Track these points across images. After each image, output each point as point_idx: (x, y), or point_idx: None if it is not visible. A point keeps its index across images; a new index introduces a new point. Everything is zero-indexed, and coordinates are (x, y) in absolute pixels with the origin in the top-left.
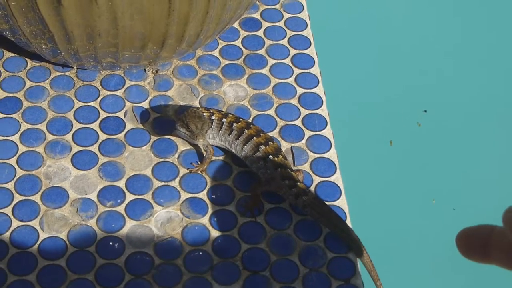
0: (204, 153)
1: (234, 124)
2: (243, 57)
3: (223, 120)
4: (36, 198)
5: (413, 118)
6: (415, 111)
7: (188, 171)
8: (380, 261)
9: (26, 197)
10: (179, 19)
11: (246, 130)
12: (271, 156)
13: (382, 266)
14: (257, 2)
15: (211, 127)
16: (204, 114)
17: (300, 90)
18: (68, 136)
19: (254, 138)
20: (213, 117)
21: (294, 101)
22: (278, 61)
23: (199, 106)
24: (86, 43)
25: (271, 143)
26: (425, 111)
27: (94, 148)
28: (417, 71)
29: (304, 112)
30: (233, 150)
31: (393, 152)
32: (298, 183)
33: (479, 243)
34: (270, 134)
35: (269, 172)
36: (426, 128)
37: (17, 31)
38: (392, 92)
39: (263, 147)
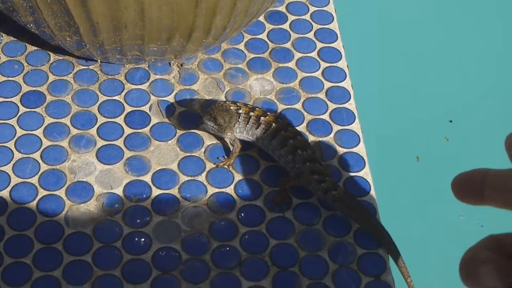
0: (231, 147)
1: (262, 118)
2: (269, 50)
3: (250, 114)
4: (61, 193)
5: (443, 121)
6: (445, 107)
7: (214, 166)
8: (410, 258)
9: (51, 192)
10: (207, 10)
11: (273, 124)
12: (299, 150)
13: (412, 262)
14: None
15: (238, 121)
16: (231, 107)
17: (327, 84)
18: (93, 130)
19: (282, 132)
20: (240, 111)
21: (322, 95)
22: (305, 54)
23: (225, 100)
24: (111, 35)
25: (299, 137)
26: (451, 121)
27: (119, 143)
28: (444, 68)
29: (332, 106)
30: (260, 145)
31: (423, 146)
32: (327, 178)
33: (474, 186)
34: (297, 128)
35: (297, 166)
36: (454, 136)
37: (42, 23)
38: (420, 86)
39: (291, 141)
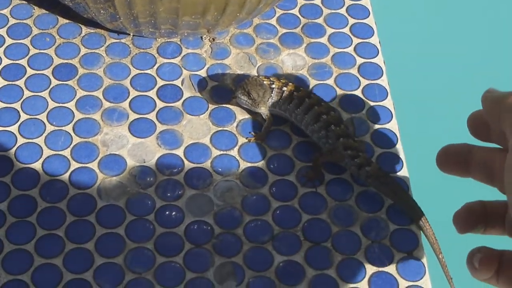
0: (264, 122)
1: (295, 93)
2: (301, 25)
3: (283, 89)
4: (93, 165)
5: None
6: (480, 85)
7: (247, 140)
8: (442, 235)
9: (83, 165)
10: None
11: (307, 99)
12: (332, 126)
13: (444, 239)
14: None
15: (271, 95)
16: (265, 82)
17: (359, 60)
18: (125, 104)
19: (316, 107)
20: (274, 86)
21: (354, 71)
22: (337, 30)
23: (258, 75)
24: (147, 8)
25: (333, 113)
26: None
27: (152, 116)
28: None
29: (364, 82)
30: (293, 120)
31: (458, 122)
32: (361, 153)
33: (458, 159)
34: (330, 104)
35: (330, 142)
36: None
37: None
38: (454, 59)
39: (324, 116)
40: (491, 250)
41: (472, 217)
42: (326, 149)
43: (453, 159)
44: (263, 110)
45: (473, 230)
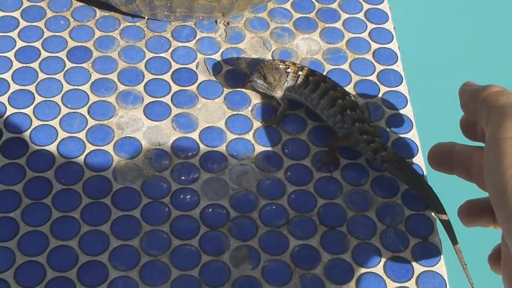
0: (279, 107)
1: (310, 77)
2: (315, 10)
3: (299, 73)
4: (109, 148)
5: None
6: (496, 70)
7: (262, 124)
8: (457, 221)
9: (98, 147)
10: None
11: (322, 84)
12: (348, 110)
13: (459, 225)
14: None
15: (286, 79)
16: (280, 66)
17: (374, 45)
18: (140, 87)
19: (331, 92)
20: (289, 70)
21: (369, 56)
22: (352, 15)
23: (273, 59)
24: None
25: (348, 98)
26: None
27: (167, 99)
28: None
29: (379, 67)
30: (309, 104)
31: None
32: (377, 138)
33: (443, 158)
34: (345, 89)
35: (346, 126)
36: None
37: None
38: (471, 47)
39: (340, 101)
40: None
41: (474, 211)
42: (342, 134)
43: (439, 158)
44: (279, 94)
45: (478, 224)
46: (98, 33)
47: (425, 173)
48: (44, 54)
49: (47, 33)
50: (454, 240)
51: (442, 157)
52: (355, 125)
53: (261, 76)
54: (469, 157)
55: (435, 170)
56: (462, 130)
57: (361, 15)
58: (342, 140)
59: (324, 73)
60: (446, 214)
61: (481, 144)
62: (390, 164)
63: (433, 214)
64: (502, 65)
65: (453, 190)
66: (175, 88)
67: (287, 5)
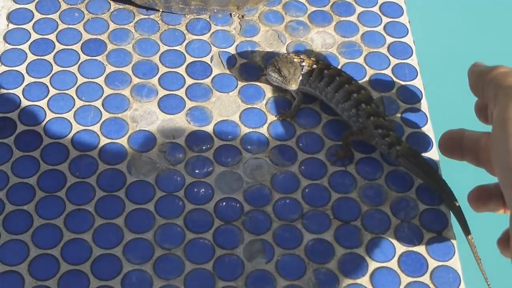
0: (294, 100)
1: (325, 71)
2: (330, 3)
3: (313, 67)
4: (123, 141)
5: None
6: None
7: (276, 118)
8: (471, 215)
9: (113, 140)
10: None
11: (337, 78)
12: (363, 104)
13: (474, 220)
14: None
15: (301, 73)
16: (295, 59)
17: (389, 39)
18: (154, 80)
19: (346, 85)
20: (304, 63)
21: (384, 50)
22: (366, 9)
23: (288, 52)
24: None
25: (363, 91)
26: None
27: (181, 93)
28: None
29: (394, 61)
30: (323, 98)
31: None
32: (392, 133)
33: (454, 145)
34: (360, 82)
35: (361, 120)
36: None
37: None
38: (486, 41)
39: (355, 95)
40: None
41: (484, 196)
42: (356, 128)
43: (450, 144)
44: (294, 88)
45: (488, 209)
46: (112, 26)
47: (439, 167)
48: (59, 46)
49: (61, 26)
50: (468, 235)
51: (453, 143)
52: (370, 119)
53: (276, 70)
54: (477, 142)
55: (446, 156)
56: (476, 114)
57: (376, 9)
58: (356, 134)
59: (339, 67)
60: (460, 208)
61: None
62: (404, 158)
63: (447, 208)
64: None
65: (467, 184)
66: (189, 81)
67: None
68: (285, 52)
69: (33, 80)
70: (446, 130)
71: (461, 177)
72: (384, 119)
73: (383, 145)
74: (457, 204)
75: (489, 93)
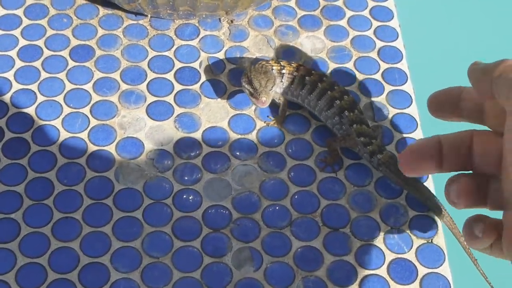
0: (279, 105)
1: (307, 77)
2: (320, 8)
3: (294, 74)
4: (111, 148)
5: None
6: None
7: (265, 124)
8: (462, 219)
9: (101, 147)
10: None
11: (319, 84)
12: (346, 111)
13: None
14: None
15: (282, 81)
16: (274, 67)
17: (379, 43)
18: (143, 86)
19: (328, 92)
20: (284, 71)
21: (374, 54)
22: (356, 13)
23: (268, 60)
24: None
25: (346, 97)
26: None
27: (170, 99)
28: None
29: (384, 66)
30: (306, 105)
31: None
32: (374, 141)
33: (449, 102)
34: (349, 88)
35: (344, 128)
36: None
37: None
38: (476, 47)
39: (338, 101)
40: (491, 219)
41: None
42: (340, 135)
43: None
44: (264, 100)
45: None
46: (101, 32)
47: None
48: (47, 52)
49: (50, 31)
50: (460, 238)
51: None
52: (353, 126)
53: (248, 81)
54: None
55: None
56: (434, 109)
57: (366, 13)
58: (340, 141)
59: (328, 72)
60: (448, 214)
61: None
62: (385, 167)
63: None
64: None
65: None
66: (178, 87)
67: (292, 3)
68: (275, 57)
69: (21, 87)
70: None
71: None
72: (368, 126)
73: (365, 153)
74: (443, 210)
75: (501, 88)
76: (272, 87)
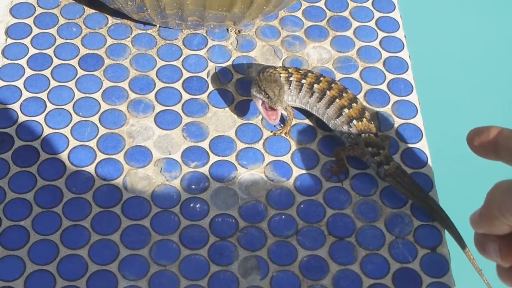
0: (285, 114)
1: (315, 85)
2: (326, 18)
3: (302, 82)
4: (119, 157)
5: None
6: (507, 80)
7: (272, 134)
8: (467, 229)
9: (109, 156)
10: None
11: (328, 92)
12: (355, 120)
13: (470, 233)
14: None
15: (290, 88)
16: (282, 75)
17: (385, 54)
18: (151, 95)
19: (337, 100)
20: (292, 78)
21: (379, 65)
22: (362, 23)
23: (275, 66)
24: (174, 0)
25: (355, 105)
26: None
27: (178, 108)
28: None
29: (390, 76)
30: (315, 113)
31: (483, 117)
32: (382, 151)
33: (488, 142)
34: (352, 93)
35: (352, 137)
36: None
37: None
38: (481, 57)
39: (346, 110)
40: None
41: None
42: (349, 144)
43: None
44: (280, 108)
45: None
46: (110, 41)
47: (434, 182)
48: (56, 61)
49: (59, 40)
50: (465, 249)
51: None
52: (361, 136)
53: (261, 90)
54: None
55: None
56: (472, 147)
57: (372, 23)
58: (348, 150)
59: (331, 78)
60: (454, 225)
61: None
62: (391, 178)
63: (441, 225)
64: None
65: (462, 198)
66: (186, 96)
67: (298, 13)
68: (280, 66)
69: (30, 95)
70: (443, 151)
71: (456, 191)
72: (376, 136)
73: (373, 163)
74: (449, 221)
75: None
76: (284, 94)
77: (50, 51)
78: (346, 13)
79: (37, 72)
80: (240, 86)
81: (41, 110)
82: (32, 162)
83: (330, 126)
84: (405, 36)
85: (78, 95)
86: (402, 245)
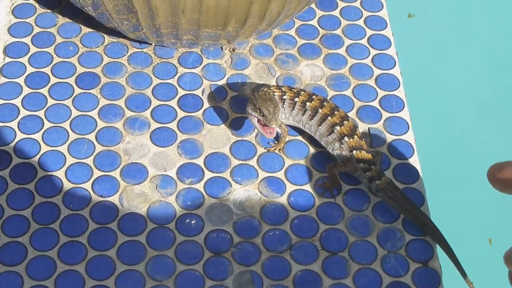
0: (279, 132)
1: (308, 103)
2: (319, 36)
3: (295, 100)
4: (116, 174)
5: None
6: (499, 96)
7: (265, 150)
8: (459, 244)
9: (106, 173)
10: None
11: (320, 110)
12: (346, 137)
13: (461, 248)
14: None
15: (283, 106)
16: (276, 93)
17: (377, 71)
18: (147, 113)
19: (329, 118)
20: (285, 96)
21: (371, 82)
22: (355, 41)
23: (269, 85)
24: (169, 20)
25: (346, 122)
26: None
27: (173, 125)
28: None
29: (381, 93)
30: (307, 131)
31: (472, 134)
32: (373, 167)
33: (510, 178)
34: (344, 111)
35: (344, 153)
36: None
37: (100, 5)
38: (472, 73)
39: (338, 127)
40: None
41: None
42: (340, 160)
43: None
44: (274, 126)
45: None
46: (106, 59)
47: (425, 198)
48: (53, 80)
49: (56, 59)
50: (456, 263)
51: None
52: (353, 152)
53: (256, 109)
54: None
55: (499, 190)
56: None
57: (364, 41)
58: (340, 167)
59: (323, 97)
60: (445, 239)
61: None
62: (383, 193)
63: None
64: (509, 87)
65: (453, 215)
66: (181, 114)
67: (292, 31)
68: (275, 84)
69: (28, 113)
70: (435, 166)
71: (448, 207)
72: (367, 152)
73: (364, 178)
74: (441, 236)
75: None
76: (278, 113)
77: (47, 70)
78: (338, 31)
79: (34, 90)
80: (234, 103)
81: (38, 128)
82: (30, 179)
83: (322, 143)
84: (396, 54)
85: (75, 113)
86: (394, 259)
